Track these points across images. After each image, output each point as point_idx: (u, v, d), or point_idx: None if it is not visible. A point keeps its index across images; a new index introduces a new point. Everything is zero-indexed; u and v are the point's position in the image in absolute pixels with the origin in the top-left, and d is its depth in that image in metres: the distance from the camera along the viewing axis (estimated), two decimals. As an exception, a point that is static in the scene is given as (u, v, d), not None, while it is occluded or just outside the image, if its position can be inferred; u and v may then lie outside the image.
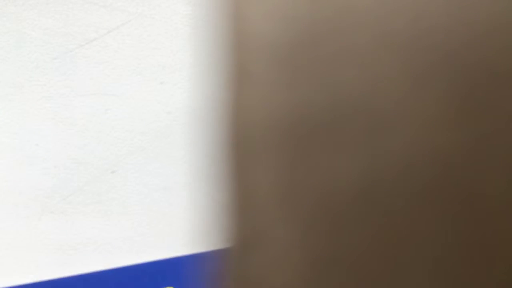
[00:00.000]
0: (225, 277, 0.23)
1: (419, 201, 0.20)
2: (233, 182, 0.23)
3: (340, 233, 0.21)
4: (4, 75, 1.26)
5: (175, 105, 1.27)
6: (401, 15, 0.21)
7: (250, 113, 0.22)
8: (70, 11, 1.27)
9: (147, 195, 1.26)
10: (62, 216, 1.24)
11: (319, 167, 0.21)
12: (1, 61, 1.26)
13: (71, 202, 1.25)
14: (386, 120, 0.21)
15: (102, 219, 1.25)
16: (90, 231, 1.24)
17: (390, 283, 0.20)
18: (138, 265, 1.21)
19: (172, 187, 1.26)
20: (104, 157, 1.26)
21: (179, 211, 1.24)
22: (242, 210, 0.22)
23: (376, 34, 0.21)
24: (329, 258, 0.21)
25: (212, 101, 0.24)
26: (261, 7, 0.23)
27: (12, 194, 1.24)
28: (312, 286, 0.21)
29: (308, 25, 0.22)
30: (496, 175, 0.20)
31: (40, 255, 1.23)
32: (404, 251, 0.20)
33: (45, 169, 1.25)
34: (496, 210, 0.20)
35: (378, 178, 0.21)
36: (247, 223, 0.22)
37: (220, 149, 0.23)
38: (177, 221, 1.23)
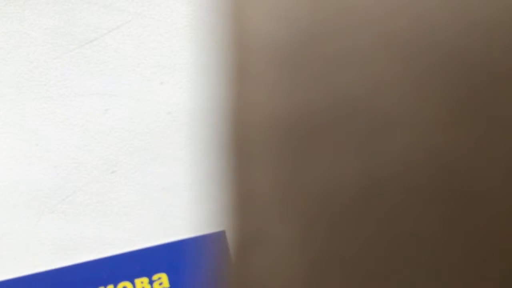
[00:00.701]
0: (224, 277, 0.23)
1: (418, 201, 0.20)
2: (233, 182, 0.23)
3: (340, 233, 0.21)
4: (4, 75, 1.26)
5: (175, 105, 1.27)
6: (401, 15, 0.21)
7: (250, 113, 0.22)
8: (70, 11, 1.27)
9: (147, 195, 1.26)
10: (62, 216, 1.24)
11: (319, 167, 0.21)
12: (1, 61, 1.26)
13: (71, 202, 1.25)
14: (386, 120, 0.21)
15: (102, 219, 1.25)
16: (90, 231, 1.24)
17: (390, 282, 0.20)
18: (132, 252, 1.20)
19: (172, 187, 1.26)
20: (104, 157, 1.26)
21: (179, 211, 1.24)
22: (242, 210, 0.22)
23: (376, 34, 0.21)
24: (329, 258, 0.21)
25: (212, 101, 0.24)
26: (261, 7, 0.23)
27: (12, 194, 1.24)
28: (312, 286, 0.21)
29: (309, 25, 0.22)
30: (496, 175, 0.20)
31: (40, 255, 1.23)
32: (404, 251, 0.20)
33: (45, 169, 1.25)
34: (496, 210, 0.20)
35: (378, 178, 0.21)
36: (247, 223, 0.22)
37: (220, 149, 0.23)
38: (177, 221, 1.23)
